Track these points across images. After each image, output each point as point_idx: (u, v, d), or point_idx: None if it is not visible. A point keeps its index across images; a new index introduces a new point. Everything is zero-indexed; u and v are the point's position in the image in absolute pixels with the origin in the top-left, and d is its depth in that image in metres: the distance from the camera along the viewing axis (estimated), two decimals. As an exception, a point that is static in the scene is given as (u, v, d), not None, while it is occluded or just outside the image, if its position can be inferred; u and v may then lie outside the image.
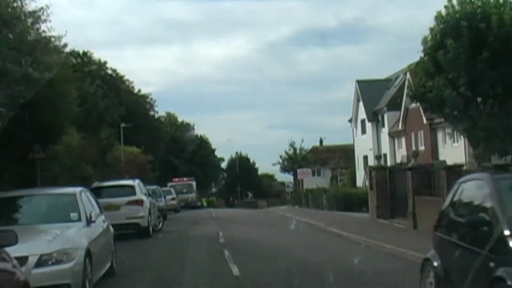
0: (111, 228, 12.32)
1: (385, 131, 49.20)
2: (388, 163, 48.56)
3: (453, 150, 38.17)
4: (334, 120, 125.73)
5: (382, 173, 26.81)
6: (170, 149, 72.41)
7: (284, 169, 62.56)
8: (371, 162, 51.03)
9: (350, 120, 57.32)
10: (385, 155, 49.66)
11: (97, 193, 20.75)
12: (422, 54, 25.89)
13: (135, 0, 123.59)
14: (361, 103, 52.52)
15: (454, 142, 38.53)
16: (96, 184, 21.32)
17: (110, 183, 21.58)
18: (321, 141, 79.59)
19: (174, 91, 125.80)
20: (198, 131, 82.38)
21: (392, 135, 48.15)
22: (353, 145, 58.10)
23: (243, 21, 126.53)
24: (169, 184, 52.52)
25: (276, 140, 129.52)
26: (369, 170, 28.60)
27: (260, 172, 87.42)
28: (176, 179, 56.25)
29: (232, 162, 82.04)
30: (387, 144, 48.67)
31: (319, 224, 26.88)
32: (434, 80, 26.20)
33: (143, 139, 63.53)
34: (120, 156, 42.29)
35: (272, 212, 43.24)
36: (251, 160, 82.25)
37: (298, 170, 50.63)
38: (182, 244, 18.25)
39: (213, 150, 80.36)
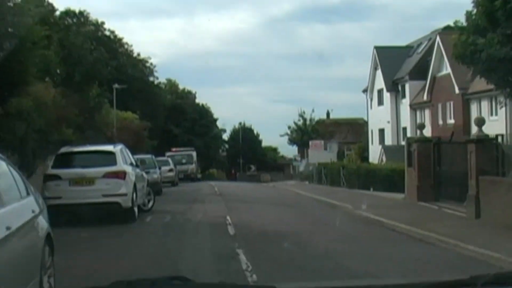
0: (43, 223, 6.62)
1: (405, 102, 43.49)
2: (408, 138, 43.07)
3: (490, 124, 32.44)
4: (337, 96, 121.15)
5: (426, 147, 21.20)
6: (170, 117, 66.72)
7: (292, 141, 56.43)
8: (389, 135, 45.53)
9: (364, 91, 51.57)
10: (404, 129, 44.06)
11: (65, 160, 15.18)
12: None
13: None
14: (379, 72, 46.70)
15: (491, 115, 32.96)
16: (64, 149, 15.66)
17: (83, 149, 15.91)
18: (328, 114, 73.84)
19: (177, 63, 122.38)
20: (200, 100, 76.65)
21: (414, 107, 42.45)
22: (366, 118, 52.36)
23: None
24: (167, 153, 46.92)
25: (277, 114, 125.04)
26: (407, 142, 22.98)
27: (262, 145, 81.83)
28: (174, 149, 50.55)
29: (235, 132, 76.02)
30: (407, 117, 43.00)
31: (345, 206, 21.39)
32: (487, 38, 21.04)
33: (141, 106, 57.94)
34: (112, 121, 36.62)
35: (280, 188, 37.72)
36: (255, 132, 76.14)
37: (310, 142, 44.88)
38: (175, 236, 12.66)
39: (215, 120, 74.43)
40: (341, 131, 71.83)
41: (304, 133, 52.61)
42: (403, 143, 46.00)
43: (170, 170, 35.81)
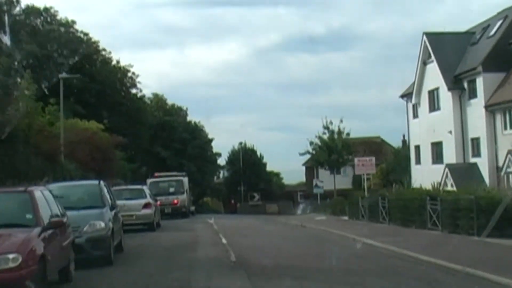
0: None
1: (476, 103, 29.67)
2: (485, 154, 29.05)
3: None
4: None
5: None
6: (157, 137, 52.56)
7: (317, 161, 41.71)
8: (451, 150, 31.50)
9: (403, 96, 37.84)
10: (475, 140, 30.15)
11: None
12: None
13: (131, 5, 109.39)
14: (431, 66, 32.94)
15: None
16: None
17: None
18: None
19: (168, 95, 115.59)
20: (192, 117, 62.58)
21: (492, 109, 28.59)
22: (407, 130, 38.40)
23: (234, 27, 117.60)
24: (149, 180, 32.60)
25: (269, 142, 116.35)
26: None
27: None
28: (158, 174, 35.96)
29: (234, 155, 61.15)
30: (481, 123, 29.12)
31: None
32: None
33: (121, 122, 43.95)
34: (58, 130, 22.36)
35: (315, 229, 23.48)
36: (258, 154, 61.19)
37: (356, 159, 30.68)
38: None
39: (210, 140, 60.01)
40: (357, 152, 58.23)
41: (332, 151, 38.17)
42: (473, 160, 32.35)
43: (146, 206, 21.17)
